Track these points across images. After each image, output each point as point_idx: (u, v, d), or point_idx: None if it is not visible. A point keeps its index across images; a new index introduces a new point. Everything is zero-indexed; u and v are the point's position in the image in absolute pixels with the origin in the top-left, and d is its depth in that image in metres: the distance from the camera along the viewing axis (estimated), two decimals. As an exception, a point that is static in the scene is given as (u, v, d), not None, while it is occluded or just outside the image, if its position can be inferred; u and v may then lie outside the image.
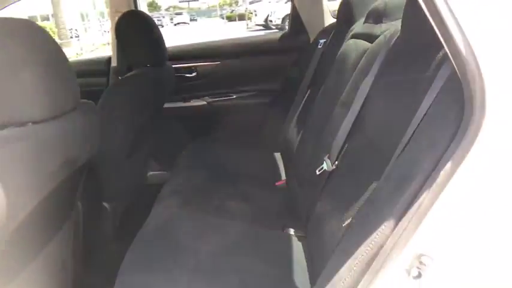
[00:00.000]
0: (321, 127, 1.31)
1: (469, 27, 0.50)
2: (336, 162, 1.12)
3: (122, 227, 1.61)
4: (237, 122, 2.14)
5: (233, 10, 35.35)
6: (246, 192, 1.45)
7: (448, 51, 0.54)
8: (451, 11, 0.51)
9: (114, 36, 1.77)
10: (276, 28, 13.46)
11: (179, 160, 1.75)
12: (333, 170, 1.11)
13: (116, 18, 1.69)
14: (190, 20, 37.25)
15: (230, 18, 30.94)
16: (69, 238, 1.15)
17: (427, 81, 0.70)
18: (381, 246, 0.59)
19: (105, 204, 1.56)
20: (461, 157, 0.53)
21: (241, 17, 25.34)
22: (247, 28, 19.87)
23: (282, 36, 2.19)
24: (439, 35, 0.53)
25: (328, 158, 1.15)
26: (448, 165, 0.54)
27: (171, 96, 2.03)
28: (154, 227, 1.18)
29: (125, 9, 1.92)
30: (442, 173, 0.54)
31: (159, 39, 1.66)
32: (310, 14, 2.02)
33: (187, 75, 2.12)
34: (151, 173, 2.09)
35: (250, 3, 25.22)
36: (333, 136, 1.15)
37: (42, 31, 0.92)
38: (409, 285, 0.58)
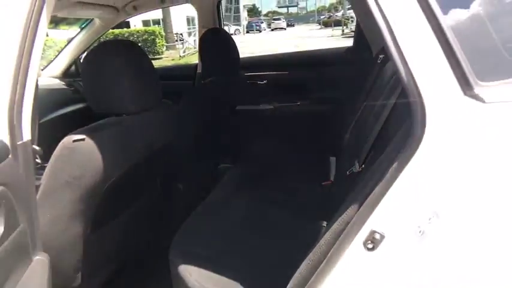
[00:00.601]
0: (358, 134, 1.48)
1: (412, 61, 0.68)
2: (363, 166, 1.29)
3: (192, 205, 1.95)
4: (299, 126, 2.36)
5: (330, 16, 35.17)
6: (293, 187, 1.67)
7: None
8: (399, 49, 0.69)
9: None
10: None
11: (242, 155, 2.03)
12: (359, 172, 1.29)
13: (202, 32, 2.04)
14: (287, 25, 37.99)
15: (326, 24, 30.91)
16: (145, 206, 1.50)
17: None
18: (347, 223, 0.78)
19: (179, 184, 1.90)
20: (406, 160, 0.71)
21: (338, 23, 25.19)
22: (342, 34, 19.73)
23: (347, 50, 2.35)
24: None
25: (358, 161, 1.33)
26: (395, 165, 0.72)
27: (243, 100, 2.34)
28: (208, 206, 1.47)
29: (210, 26, 2.28)
30: (390, 170, 0.72)
31: (234, 53, 1.96)
32: (372, 30, 2.15)
33: (259, 82, 2.40)
34: (222, 165, 2.41)
35: (349, 9, 24.97)
36: (363, 143, 1.33)
37: (137, 47, 1.26)
38: (365, 256, 0.77)
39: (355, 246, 0.77)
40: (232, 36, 2.05)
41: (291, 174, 1.81)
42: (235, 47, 1.98)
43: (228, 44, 1.93)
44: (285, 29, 35.29)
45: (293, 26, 40.77)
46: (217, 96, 1.97)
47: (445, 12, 0.66)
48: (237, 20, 40.59)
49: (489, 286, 0.64)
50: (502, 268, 0.64)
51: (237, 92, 2.12)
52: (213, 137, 2.09)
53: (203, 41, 1.97)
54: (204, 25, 2.33)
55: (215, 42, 1.94)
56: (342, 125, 2.10)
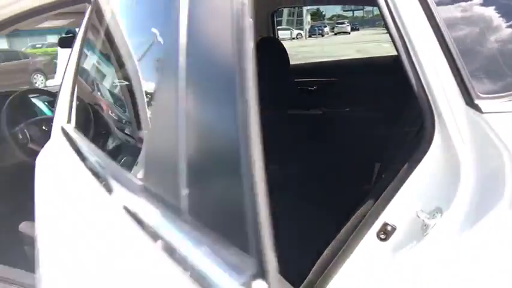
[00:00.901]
0: (396, 140, 1.56)
1: (423, 75, 0.78)
2: None
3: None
4: (346, 131, 2.43)
5: (397, 20, 33.84)
6: (331, 188, 1.77)
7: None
8: (413, 65, 0.79)
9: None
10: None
11: (289, 157, 2.16)
12: None
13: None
14: (352, 29, 37.24)
15: (392, 29, 29.79)
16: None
17: None
18: (363, 217, 0.89)
19: None
20: (417, 161, 0.80)
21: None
22: (408, 39, 18.97)
23: (396, 58, 2.38)
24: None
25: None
26: (407, 165, 0.82)
27: (294, 105, 2.46)
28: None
29: (264, 34, 2.44)
30: (403, 170, 0.82)
31: (284, 60, 2.10)
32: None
33: (309, 88, 2.52)
34: (270, 167, 2.55)
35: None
36: (399, 148, 1.40)
37: None
38: (378, 245, 0.86)
39: (370, 236, 0.88)
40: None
41: (330, 176, 1.91)
42: (287, 54, 2.12)
43: (277, 52, 2.08)
44: (349, 33, 34.60)
45: (357, 29, 39.80)
46: (268, 101, 2.12)
47: (453, 32, 0.75)
48: (299, 24, 40.62)
49: (477, 278, 0.72)
50: (490, 262, 0.71)
51: (287, 97, 2.26)
52: (262, 140, 2.24)
53: (257, 49, 2.13)
54: (259, 33, 2.49)
55: (268, 49, 2.10)
56: (388, 132, 2.15)
